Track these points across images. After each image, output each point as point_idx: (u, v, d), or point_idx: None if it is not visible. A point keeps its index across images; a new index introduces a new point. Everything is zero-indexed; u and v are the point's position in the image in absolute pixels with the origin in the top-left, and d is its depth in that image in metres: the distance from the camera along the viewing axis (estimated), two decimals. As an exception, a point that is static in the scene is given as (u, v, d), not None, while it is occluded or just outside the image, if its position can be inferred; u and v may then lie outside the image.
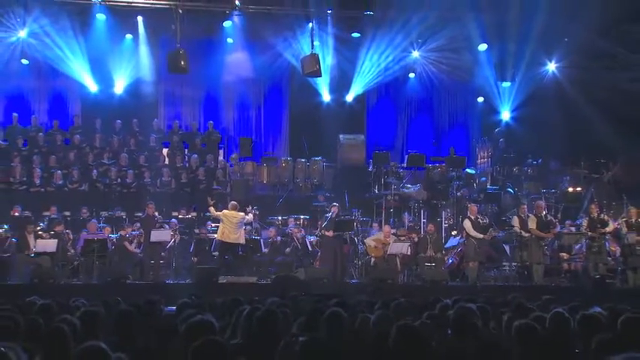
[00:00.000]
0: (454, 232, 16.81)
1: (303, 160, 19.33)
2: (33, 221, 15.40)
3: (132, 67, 19.37)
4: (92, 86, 19.27)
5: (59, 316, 5.56)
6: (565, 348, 5.25)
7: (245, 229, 15.51)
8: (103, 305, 6.92)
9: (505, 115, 20.59)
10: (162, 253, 15.37)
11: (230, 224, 14.99)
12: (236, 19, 19.19)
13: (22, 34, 18.29)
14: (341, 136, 19.92)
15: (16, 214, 15.96)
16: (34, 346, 4.55)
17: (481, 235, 15.01)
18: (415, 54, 20.23)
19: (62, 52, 18.49)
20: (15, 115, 18.91)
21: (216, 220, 15.61)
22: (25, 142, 18.29)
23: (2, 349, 3.43)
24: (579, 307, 6.82)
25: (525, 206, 15.73)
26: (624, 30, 17.34)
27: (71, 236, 15.31)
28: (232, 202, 15.56)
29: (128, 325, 5.58)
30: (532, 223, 14.97)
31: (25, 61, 18.72)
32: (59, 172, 17.28)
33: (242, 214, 15.19)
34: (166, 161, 18.77)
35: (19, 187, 16.99)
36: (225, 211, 15.19)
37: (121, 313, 5.80)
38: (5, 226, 15.46)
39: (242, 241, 15.24)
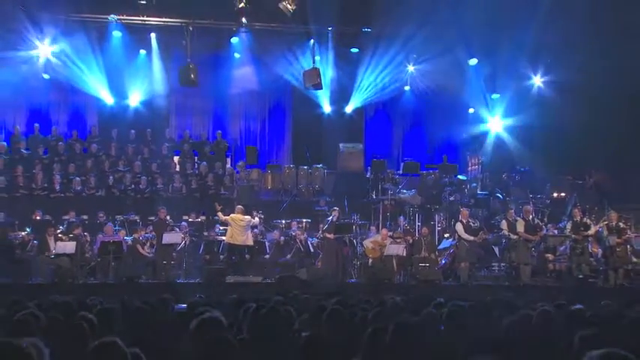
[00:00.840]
0: (447, 235, 16.79)
1: (305, 167, 19.36)
2: (53, 225, 15.42)
3: (145, 80, 19.43)
4: (108, 99, 19.31)
5: (78, 313, 5.56)
6: (550, 343, 5.25)
7: (253, 232, 15.52)
8: (118, 303, 6.92)
9: (494, 125, 20.58)
10: (174, 254, 15.38)
11: (237, 227, 14.99)
12: (243, 35, 19.28)
13: (44, 51, 18.36)
14: (341, 145, 19.98)
15: (38, 218, 16.00)
16: (55, 342, 4.55)
17: (472, 238, 15.00)
18: (410, 68, 20.27)
19: (80, 69, 18.55)
20: (36, 125, 18.92)
21: (225, 223, 15.61)
22: (46, 150, 18.33)
23: (24, 345, 3.42)
24: (564, 304, 6.82)
25: (513, 210, 15.75)
26: (609, 45, 17.28)
27: (89, 239, 15.33)
28: (239, 206, 15.58)
29: (142, 321, 5.59)
30: (520, 227, 14.96)
31: (46, 76, 18.75)
32: (77, 178, 17.30)
33: (248, 217, 15.20)
34: (177, 168, 18.79)
35: (40, 192, 17.00)
36: (232, 215, 15.18)
37: (135, 310, 5.80)
38: (28, 229, 15.47)
39: (250, 242, 15.24)
